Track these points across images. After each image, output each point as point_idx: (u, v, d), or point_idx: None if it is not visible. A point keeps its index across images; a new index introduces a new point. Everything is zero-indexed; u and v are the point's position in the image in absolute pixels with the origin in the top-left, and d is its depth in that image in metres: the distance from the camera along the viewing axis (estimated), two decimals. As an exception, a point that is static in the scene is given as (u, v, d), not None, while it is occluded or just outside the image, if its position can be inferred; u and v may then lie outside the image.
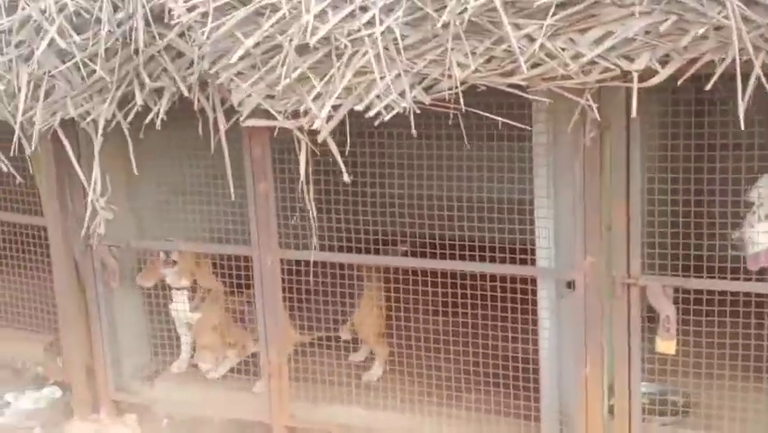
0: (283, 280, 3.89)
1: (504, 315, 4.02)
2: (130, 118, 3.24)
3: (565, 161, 3.26)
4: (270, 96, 2.93)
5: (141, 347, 4.64)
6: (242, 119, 3.04)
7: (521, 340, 3.91)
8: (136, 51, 3.12)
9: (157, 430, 4.45)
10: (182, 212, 4.28)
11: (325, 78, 2.75)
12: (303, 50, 2.75)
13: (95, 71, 3.20)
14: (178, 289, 4.40)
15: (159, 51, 3.08)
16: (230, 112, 3.22)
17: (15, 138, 3.40)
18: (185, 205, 4.29)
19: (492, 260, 3.61)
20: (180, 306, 4.41)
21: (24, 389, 4.74)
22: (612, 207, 3.21)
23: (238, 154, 3.56)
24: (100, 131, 3.29)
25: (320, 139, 2.87)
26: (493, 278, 3.65)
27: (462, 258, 3.63)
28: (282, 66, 2.74)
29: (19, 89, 3.30)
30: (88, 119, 3.28)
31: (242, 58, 2.79)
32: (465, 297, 3.73)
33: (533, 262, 3.56)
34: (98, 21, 3.11)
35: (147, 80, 3.14)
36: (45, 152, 3.95)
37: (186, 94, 3.08)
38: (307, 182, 3.21)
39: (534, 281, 3.57)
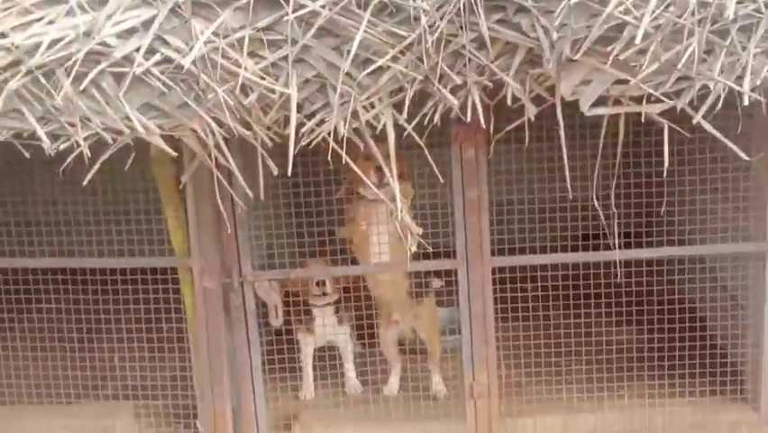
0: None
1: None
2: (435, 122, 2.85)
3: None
4: (622, 82, 2.74)
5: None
6: (585, 108, 2.80)
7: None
8: (437, 41, 2.75)
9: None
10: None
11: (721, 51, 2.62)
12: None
13: (379, 69, 2.79)
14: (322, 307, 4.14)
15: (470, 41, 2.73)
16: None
17: (291, 155, 2.79)
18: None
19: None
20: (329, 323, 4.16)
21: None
22: None
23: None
24: (392, 139, 2.85)
25: (694, 121, 2.73)
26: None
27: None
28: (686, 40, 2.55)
29: (280, 96, 2.76)
30: (379, 126, 2.83)
31: (644, 37, 2.56)
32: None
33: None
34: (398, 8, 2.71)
35: (454, 76, 2.79)
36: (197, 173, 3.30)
37: (517, 87, 2.78)
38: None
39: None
